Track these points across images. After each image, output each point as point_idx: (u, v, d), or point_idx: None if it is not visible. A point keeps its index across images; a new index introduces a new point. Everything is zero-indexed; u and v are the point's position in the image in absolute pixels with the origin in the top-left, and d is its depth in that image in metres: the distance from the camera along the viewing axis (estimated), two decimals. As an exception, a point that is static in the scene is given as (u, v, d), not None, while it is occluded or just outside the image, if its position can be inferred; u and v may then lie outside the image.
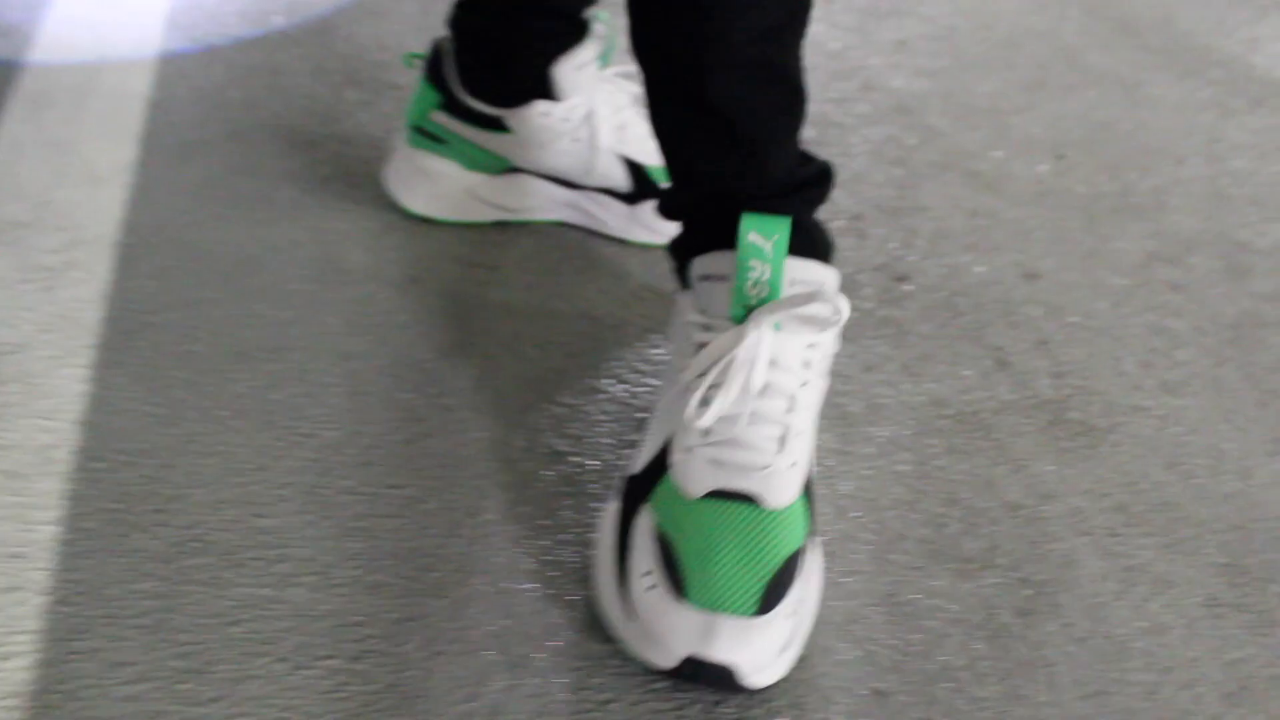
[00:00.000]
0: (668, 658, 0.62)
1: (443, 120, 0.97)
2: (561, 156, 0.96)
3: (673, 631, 0.62)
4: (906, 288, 0.97)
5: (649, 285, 0.94)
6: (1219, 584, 0.73)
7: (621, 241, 0.99)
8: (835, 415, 0.83)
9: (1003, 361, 0.89)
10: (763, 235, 0.67)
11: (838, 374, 0.86)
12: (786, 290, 0.68)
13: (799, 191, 0.76)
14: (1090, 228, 1.08)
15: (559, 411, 0.82)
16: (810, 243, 0.74)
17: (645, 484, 0.69)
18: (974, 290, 0.97)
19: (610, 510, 0.70)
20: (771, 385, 0.68)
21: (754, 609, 0.62)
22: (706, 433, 0.68)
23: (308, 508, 0.73)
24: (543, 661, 0.65)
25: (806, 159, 0.77)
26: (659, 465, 0.69)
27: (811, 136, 1.17)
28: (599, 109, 0.95)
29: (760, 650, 0.62)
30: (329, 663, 0.64)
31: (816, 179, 0.77)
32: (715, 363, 0.68)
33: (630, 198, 0.98)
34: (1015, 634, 0.69)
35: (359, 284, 0.92)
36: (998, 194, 1.11)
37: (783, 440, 0.67)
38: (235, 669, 0.64)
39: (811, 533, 0.68)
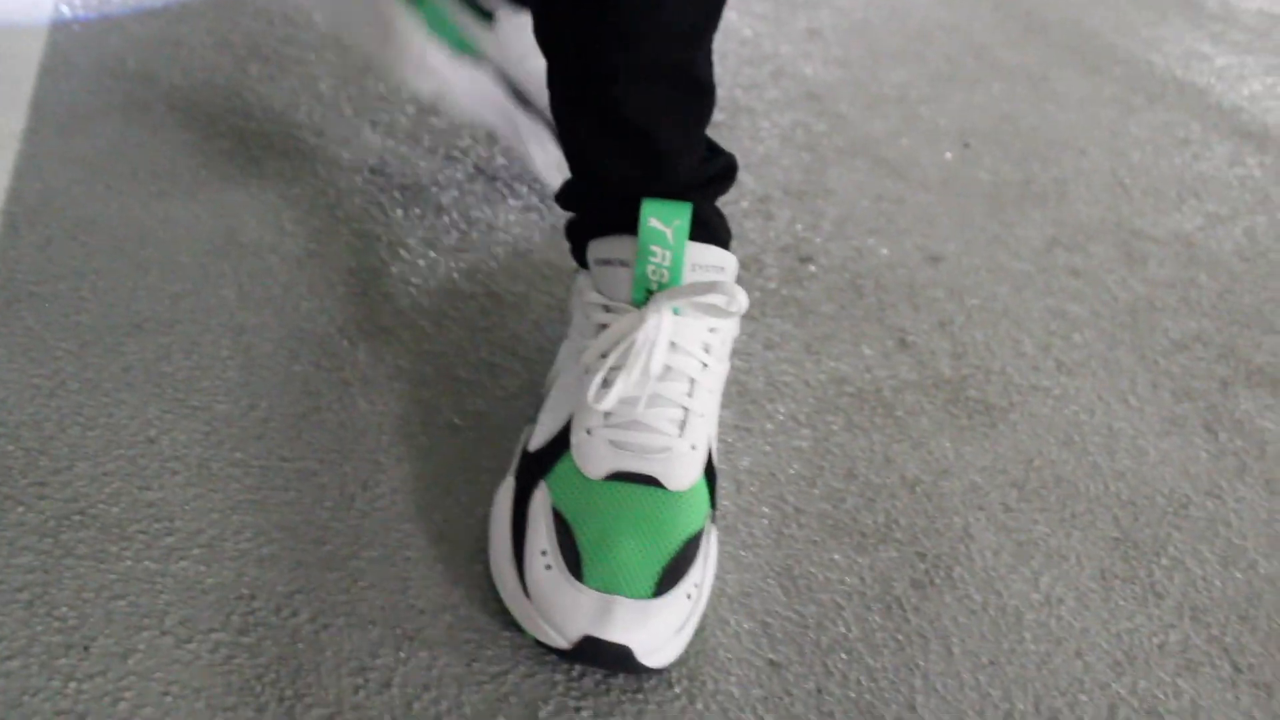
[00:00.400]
0: (564, 638, 0.61)
1: None
2: (533, 73, 0.90)
3: (569, 612, 0.61)
4: (811, 268, 0.97)
5: (551, 262, 0.93)
6: (1111, 558, 0.74)
7: (525, 213, 0.98)
8: (736, 392, 0.83)
9: (904, 342, 0.90)
10: (663, 221, 0.66)
11: (740, 352, 0.86)
12: (688, 274, 0.68)
13: (704, 188, 0.74)
14: (993, 214, 1.09)
15: (457, 386, 0.80)
16: (709, 229, 0.74)
17: (543, 461, 0.68)
18: (878, 272, 0.98)
19: (506, 486, 0.69)
20: (672, 368, 0.68)
21: (651, 591, 0.61)
22: (608, 415, 0.67)
23: (196, 481, 0.71)
24: (435, 634, 0.64)
25: (713, 153, 0.76)
26: (558, 444, 0.68)
27: (721, 120, 1.17)
28: None
29: (656, 631, 0.61)
30: (215, 636, 0.63)
31: (721, 174, 0.76)
32: (616, 345, 0.68)
33: None
34: (910, 606, 0.69)
35: (256, 257, 0.90)
36: (904, 180, 1.12)
37: (683, 423, 0.67)
38: (117, 644, 0.62)
39: (712, 515, 0.68)
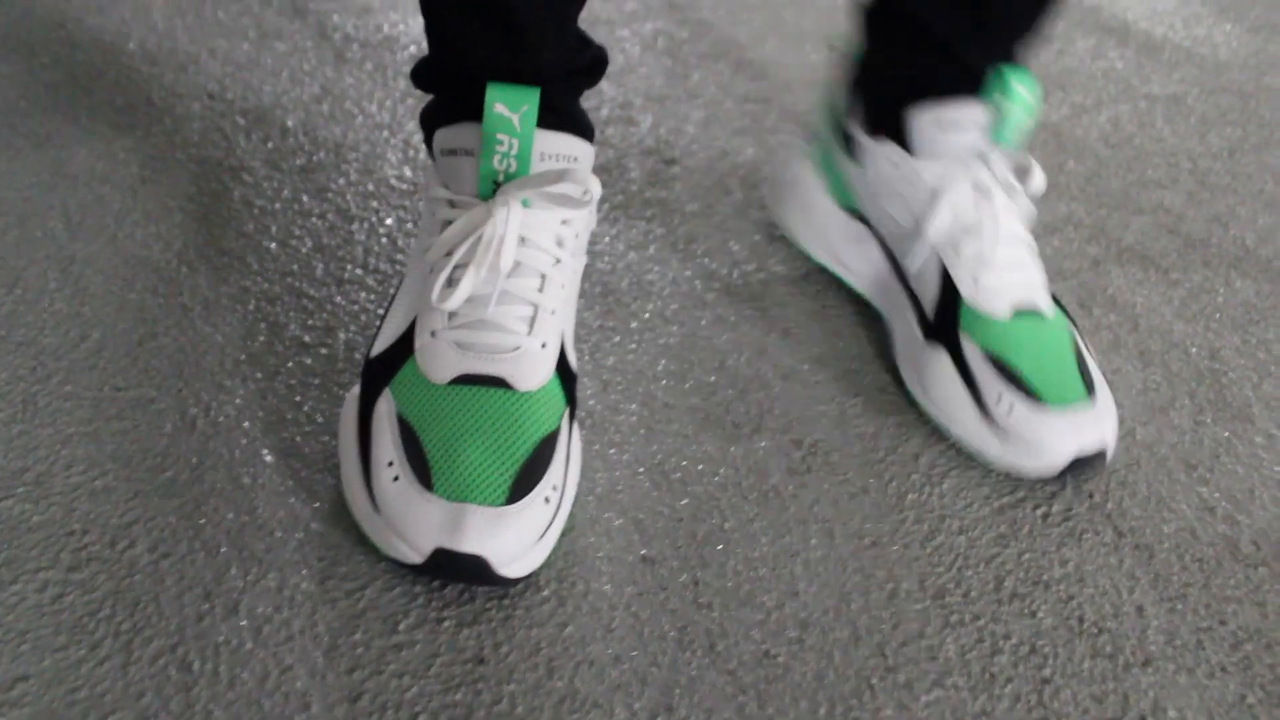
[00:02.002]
0: (416, 552, 0.57)
1: (826, 125, 0.82)
2: (893, 226, 0.76)
3: (419, 525, 0.57)
4: (675, 170, 0.94)
5: (404, 177, 0.89)
6: (988, 435, 0.73)
7: (375, 131, 0.93)
8: (600, 293, 0.80)
9: (773, 236, 0.87)
10: (510, 107, 0.62)
11: (604, 253, 0.83)
12: (536, 165, 0.63)
13: (568, 78, 0.69)
14: (861, 112, 1.07)
15: (305, 304, 0.76)
16: (566, 116, 0.68)
17: (386, 368, 0.64)
18: (745, 171, 0.95)
19: (351, 396, 0.65)
20: (522, 264, 0.63)
21: (504, 497, 0.57)
22: (453, 315, 0.63)
23: (21, 417, 0.66)
24: (285, 554, 0.60)
25: (583, 43, 0.70)
26: (401, 348, 0.64)
27: (580, 32, 1.13)
28: (951, 194, 0.72)
29: (513, 539, 0.57)
30: (42, 575, 0.58)
31: (589, 67, 0.71)
32: (462, 241, 0.63)
33: (929, 327, 0.73)
34: (788, 494, 0.67)
35: (86, 187, 0.84)
36: (768, 81, 1.09)
37: (533, 320, 0.63)
38: (-66, 591, 0.57)
39: (570, 414, 0.64)
